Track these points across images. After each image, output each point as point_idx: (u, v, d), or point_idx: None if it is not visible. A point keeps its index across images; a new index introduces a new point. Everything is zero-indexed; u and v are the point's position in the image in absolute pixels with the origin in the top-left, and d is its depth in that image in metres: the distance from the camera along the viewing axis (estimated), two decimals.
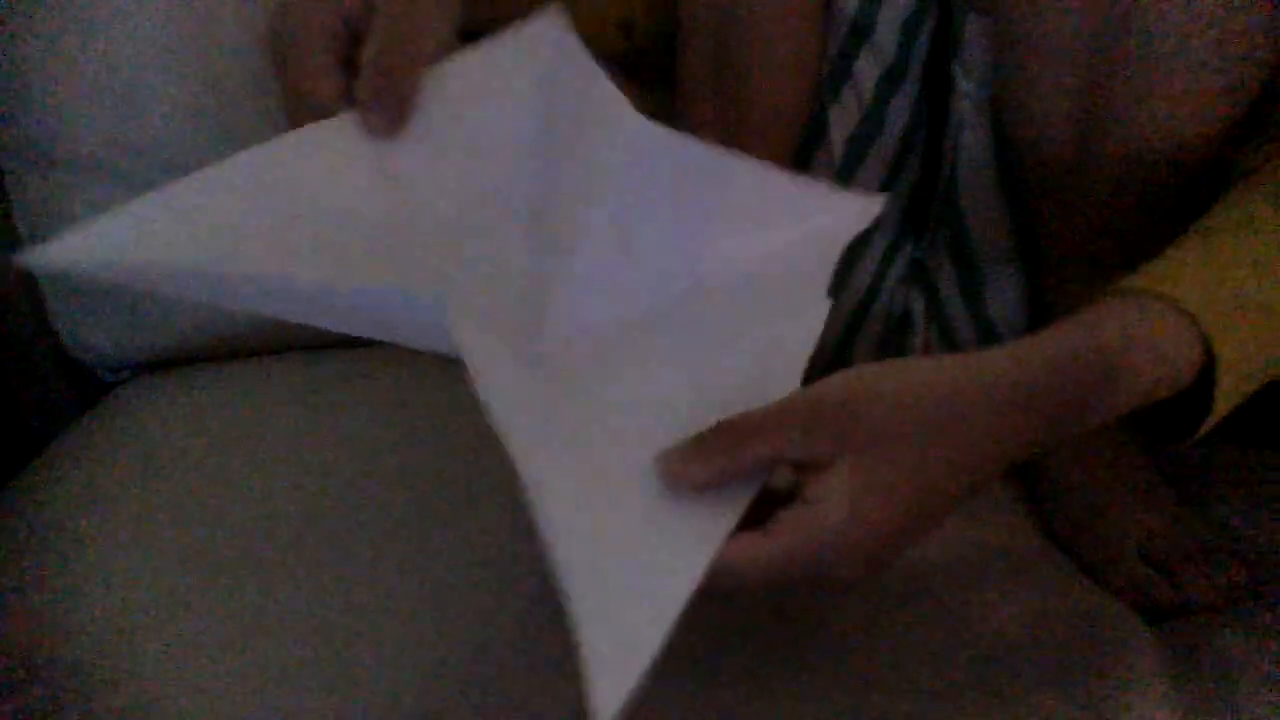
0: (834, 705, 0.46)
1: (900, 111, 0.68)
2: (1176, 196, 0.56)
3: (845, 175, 0.70)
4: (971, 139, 0.65)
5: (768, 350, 0.43)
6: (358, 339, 0.78)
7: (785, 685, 0.47)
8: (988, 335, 0.70)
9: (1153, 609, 0.56)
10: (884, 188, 0.70)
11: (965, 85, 0.65)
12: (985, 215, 0.67)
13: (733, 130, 0.68)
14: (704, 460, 0.39)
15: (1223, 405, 0.45)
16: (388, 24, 0.42)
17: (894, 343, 0.75)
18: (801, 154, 0.71)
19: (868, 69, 0.68)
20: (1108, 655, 0.49)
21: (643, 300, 0.44)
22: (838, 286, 0.74)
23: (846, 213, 0.47)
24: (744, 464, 0.39)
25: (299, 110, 0.42)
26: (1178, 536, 0.59)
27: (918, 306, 0.73)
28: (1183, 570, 0.57)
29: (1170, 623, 0.55)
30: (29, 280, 0.75)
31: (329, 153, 0.40)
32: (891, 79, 0.68)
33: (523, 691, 0.47)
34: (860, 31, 0.67)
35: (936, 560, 0.54)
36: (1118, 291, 0.46)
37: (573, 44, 0.44)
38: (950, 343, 0.72)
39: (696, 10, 0.66)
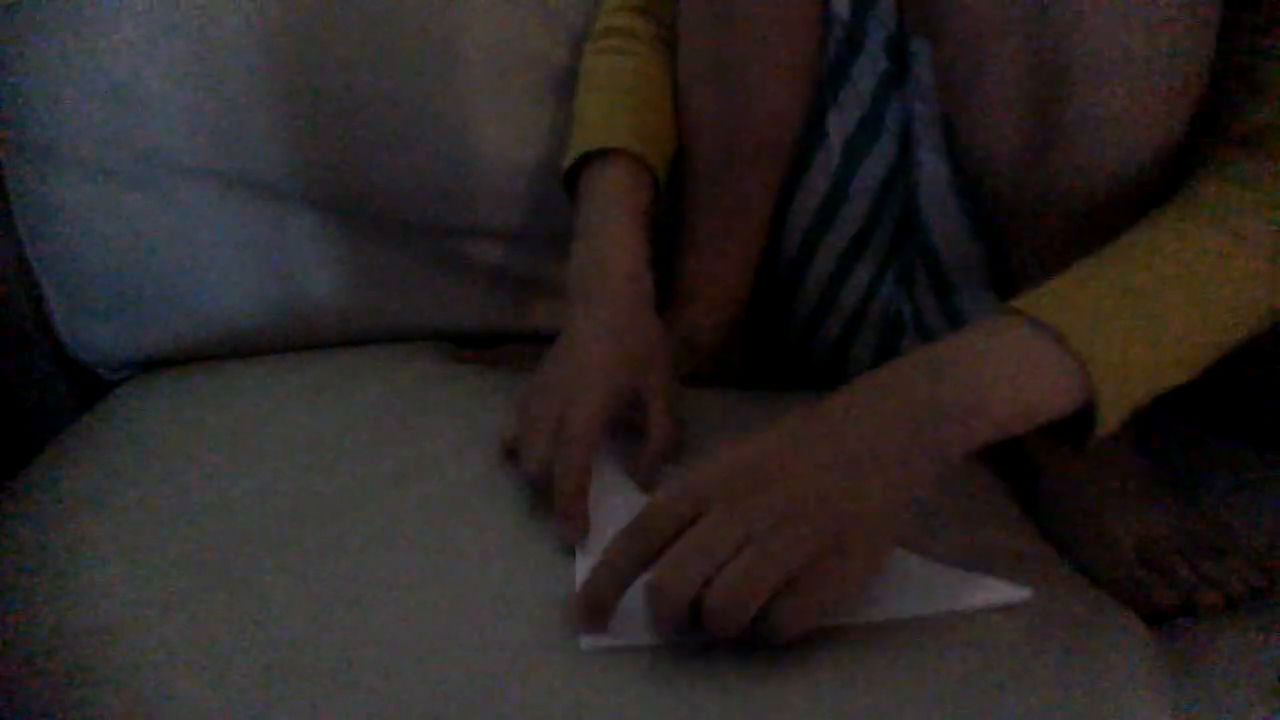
0: (829, 706, 0.46)
1: (898, 114, 0.68)
2: (1134, 206, 0.56)
3: (844, 176, 0.70)
4: (928, 157, 0.66)
5: None
6: (357, 339, 0.79)
7: (779, 684, 0.47)
8: None
9: (1152, 610, 0.56)
10: (882, 189, 0.70)
11: (918, 106, 0.66)
12: (948, 230, 0.68)
13: (731, 130, 0.68)
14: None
15: (1109, 419, 0.47)
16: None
17: (889, 344, 0.75)
18: (801, 156, 0.71)
19: (866, 72, 0.68)
20: (1107, 656, 0.49)
21: None
22: (839, 286, 0.74)
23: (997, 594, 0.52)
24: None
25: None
26: (1177, 537, 0.59)
27: (906, 311, 0.73)
28: (1182, 571, 0.57)
29: (1169, 624, 0.55)
30: (29, 280, 0.75)
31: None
32: (888, 83, 0.68)
33: (526, 686, 0.47)
34: (853, 39, 0.67)
35: (936, 560, 0.54)
36: (1001, 310, 0.48)
37: None
38: None
39: (695, 10, 0.66)
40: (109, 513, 0.58)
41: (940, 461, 0.46)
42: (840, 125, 0.70)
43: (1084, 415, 0.47)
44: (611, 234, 0.63)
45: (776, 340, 0.81)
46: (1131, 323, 0.47)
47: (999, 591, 0.52)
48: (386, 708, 0.46)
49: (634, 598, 0.51)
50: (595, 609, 0.47)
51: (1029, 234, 0.61)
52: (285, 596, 0.52)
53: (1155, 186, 0.56)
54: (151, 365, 0.76)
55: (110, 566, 0.54)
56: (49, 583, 0.54)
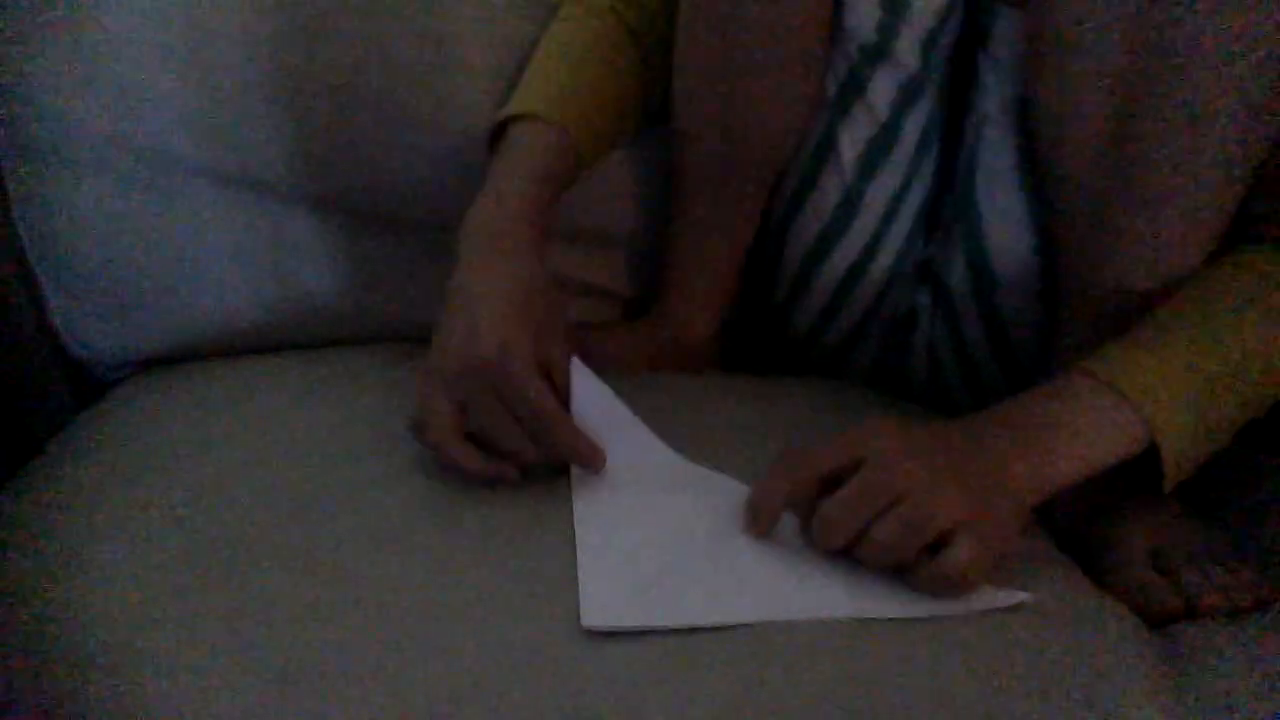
0: (830, 704, 0.46)
1: (917, 123, 0.67)
2: (1208, 216, 0.55)
3: (858, 189, 0.69)
4: (995, 137, 0.64)
5: None
6: (357, 339, 0.78)
7: (779, 681, 0.47)
8: (997, 333, 0.69)
9: (1157, 615, 0.55)
10: (896, 198, 0.69)
11: (991, 82, 0.63)
12: (1003, 218, 0.65)
13: (726, 142, 0.68)
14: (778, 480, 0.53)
15: (1173, 474, 0.54)
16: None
17: (896, 342, 0.75)
18: (810, 172, 0.71)
19: (884, 85, 0.66)
20: (1108, 657, 0.49)
21: None
22: (843, 298, 0.74)
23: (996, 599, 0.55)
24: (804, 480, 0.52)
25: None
26: (1183, 541, 0.59)
27: (924, 304, 0.72)
28: (1188, 576, 0.57)
29: (1172, 626, 0.55)
30: (29, 280, 0.75)
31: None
32: (910, 93, 0.66)
33: (526, 685, 0.47)
34: (876, 53, 0.66)
35: None
36: (1081, 372, 0.55)
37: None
38: (957, 339, 0.71)
39: (697, 16, 0.66)
40: (109, 512, 0.59)
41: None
42: (852, 140, 0.68)
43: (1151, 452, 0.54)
44: (511, 188, 0.62)
45: (777, 342, 0.80)
46: (1199, 392, 0.54)
47: (998, 597, 0.51)
48: (386, 706, 0.46)
49: (636, 581, 0.51)
50: (760, 515, 0.53)
51: (1093, 231, 0.59)
52: (285, 596, 0.52)
53: (1229, 207, 0.56)
54: (151, 365, 0.76)
55: (110, 566, 0.54)
56: (49, 582, 0.54)
